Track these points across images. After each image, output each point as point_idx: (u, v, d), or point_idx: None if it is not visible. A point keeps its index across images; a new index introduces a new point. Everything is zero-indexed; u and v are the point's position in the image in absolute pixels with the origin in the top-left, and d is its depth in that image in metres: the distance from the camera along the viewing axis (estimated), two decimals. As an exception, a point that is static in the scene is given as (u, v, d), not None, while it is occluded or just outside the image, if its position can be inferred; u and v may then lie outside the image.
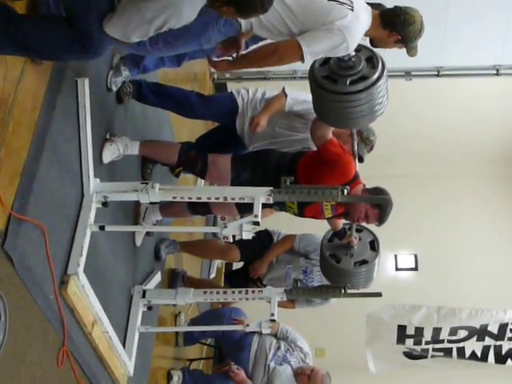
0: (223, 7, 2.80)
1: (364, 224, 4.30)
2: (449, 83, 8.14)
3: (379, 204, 4.01)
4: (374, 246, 4.45)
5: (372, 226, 4.33)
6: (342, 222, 4.54)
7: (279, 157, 4.29)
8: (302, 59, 3.36)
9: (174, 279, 5.84)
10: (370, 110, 3.56)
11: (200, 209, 4.72)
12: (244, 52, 3.70)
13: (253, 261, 5.68)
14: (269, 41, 3.61)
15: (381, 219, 4.10)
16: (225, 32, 3.51)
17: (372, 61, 3.53)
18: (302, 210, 4.21)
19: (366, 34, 3.52)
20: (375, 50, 3.65)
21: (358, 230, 4.45)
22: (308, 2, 3.32)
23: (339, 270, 4.40)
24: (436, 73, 7.67)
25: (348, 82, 3.46)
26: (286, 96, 4.54)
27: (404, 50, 3.63)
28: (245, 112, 4.62)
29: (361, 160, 4.36)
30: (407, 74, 7.67)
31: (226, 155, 4.29)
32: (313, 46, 3.31)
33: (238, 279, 5.97)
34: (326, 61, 3.59)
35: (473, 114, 9.14)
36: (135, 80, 4.38)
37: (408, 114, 8.83)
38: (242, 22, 3.32)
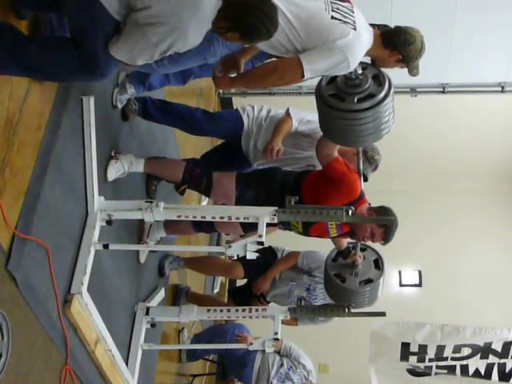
0: (228, 33, 2.83)
1: (369, 243, 4.29)
2: (454, 99, 8.13)
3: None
4: (378, 264, 4.43)
5: (376, 244, 4.32)
6: (346, 241, 4.53)
7: (284, 176, 4.29)
8: (302, 77, 3.36)
9: (177, 295, 5.84)
10: (376, 128, 3.55)
11: (204, 227, 4.72)
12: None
13: (256, 277, 5.67)
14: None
15: (386, 238, 4.10)
16: (230, 46, 3.52)
17: (378, 78, 3.53)
18: (307, 230, 4.21)
19: (367, 54, 3.52)
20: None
21: (362, 249, 4.44)
22: (310, 20, 3.31)
23: (344, 289, 4.38)
24: (441, 89, 7.67)
25: (355, 100, 3.46)
26: (291, 118, 4.52)
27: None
28: (250, 130, 4.60)
29: (365, 179, 4.35)
30: (412, 91, 7.68)
31: (230, 173, 4.29)
32: (313, 63, 3.30)
33: (241, 296, 5.95)
34: (332, 79, 3.58)
35: (478, 130, 9.14)
36: (140, 97, 4.38)
37: (413, 129, 8.82)
38: None
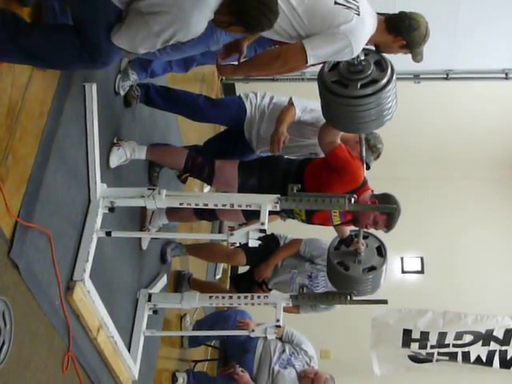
0: (231, 27, 2.84)
1: (372, 230, 4.29)
2: (459, 86, 8.10)
3: None
4: (380, 251, 4.42)
5: (378, 231, 4.31)
6: (348, 229, 4.52)
7: (286, 163, 4.28)
8: (305, 63, 3.34)
9: (179, 281, 5.84)
10: (378, 114, 3.55)
11: (206, 214, 4.72)
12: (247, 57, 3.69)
13: (259, 264, 5.67)
14: None
15: (389, 225, 4.09)
16: (233, 34, 3.50)
17: (381, 64, 3.52)
18: (310, 218, 4.20)
19: (371, 40, 3.50)
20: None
21: (365, 237, 4.42)
22: (314, 5, 3.30)
23: (348, 277, 4.37)
24: (445, 76, 7.64)
25: (359, 86, 3.45)
26: (294, 107, 4.49)
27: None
28: (253, 116, 4.59)
29: (367, 167, 4.34)
30: (416, 77, 7.65)
31: (233, 161, 4.29)
32: (317, 49, 3.30)
33: (243, 283, 5.95)
34: (334, 65, 3.57)
35: (480, 116, 9.11)
36: (143, 84, 4.37)
37: (417, 116, 8.80)
38: None
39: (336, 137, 4.04)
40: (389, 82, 3.46)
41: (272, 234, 5.72)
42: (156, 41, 2.74)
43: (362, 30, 3.36)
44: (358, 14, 3.33)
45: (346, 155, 4.08)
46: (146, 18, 2.65)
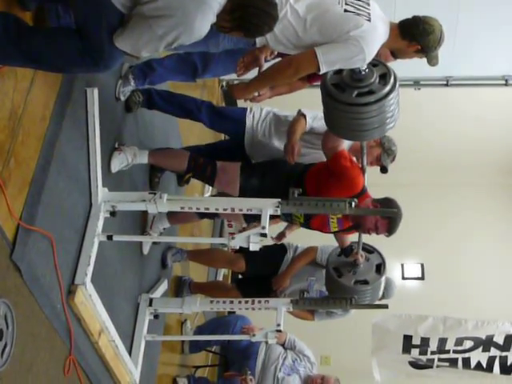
0: (231, 32, 2.90)
1: (374, 234, 4.29)
2: (459, 92, 8.11)
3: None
4: (379, 269, 4.44)
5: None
6: (349, 239, 4.52)
7: (292, 166, 4.26)
8: (318, 69, 3.32)
9: (180, 287, 5.83)
10: (380, 122, 3.46)
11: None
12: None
13: (261, 273, 5.61)
14: None
15: (390, 230, 4.10)
16: (236, 42, 3.51)
17: (385, 78, 3.42)
18: (308, 222, 4.20)
19: (386, 47, 3.47)
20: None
21: (369, 251, 4.44)
22: (323, 14, 3.28)
23: (338, 284, 4.39)
24: (445, 82, 7.65)
25: (355, 94, 3.39)
26: (305, 116, 4.45)
27: (413, 59, 3.62)
28: (254, 130, 4.54)
29: (385, 170, 4.40)
30: (416, 83, 7.66)
31: (235, 163, 4.28)
32: (329, 55, 3.26)
33: (250, 289, 5.78)
34: (340, 70, 3.54)
35: (483, 122, 9.09)
36: (145, 89, 4.37)
37: (418, 122, 8.79)
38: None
39: (338, 142, 4.01)
40: (388, 93, 3.37)
41: (281, 243, 5.66)
42: (159, 44, 2.75)
43: (374, 35, 3.32)
44: (369, 20, 3.29)
45: (346, 162, 4.05)
46: (150, 22, 2.67)
